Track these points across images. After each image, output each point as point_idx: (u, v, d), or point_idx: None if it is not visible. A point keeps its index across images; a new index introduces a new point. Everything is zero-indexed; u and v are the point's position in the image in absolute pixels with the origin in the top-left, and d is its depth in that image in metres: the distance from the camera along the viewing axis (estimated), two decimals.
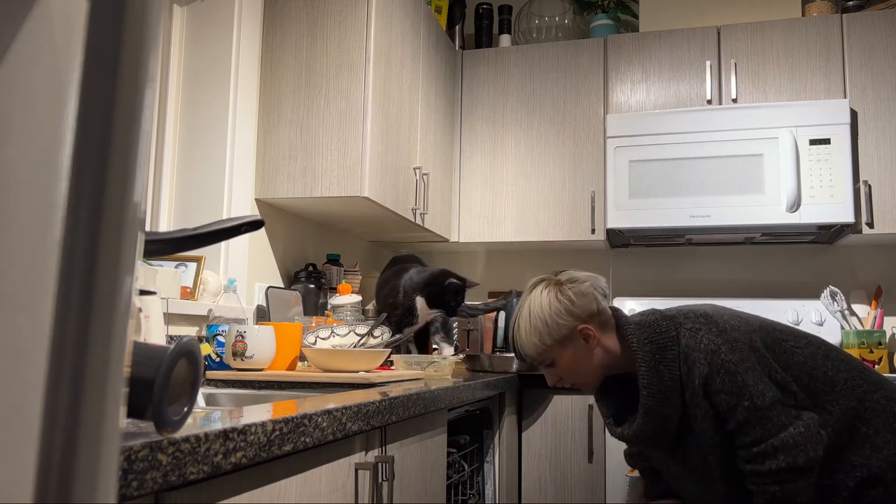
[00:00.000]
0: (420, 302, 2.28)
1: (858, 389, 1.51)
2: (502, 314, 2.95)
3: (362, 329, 2.04)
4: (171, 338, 1.87)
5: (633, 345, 1.58)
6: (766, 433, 1.45)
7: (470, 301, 3.47)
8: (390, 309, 2.29)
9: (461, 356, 2.62)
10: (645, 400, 1.56)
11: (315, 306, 2.48)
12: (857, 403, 1.50)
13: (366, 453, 1.28)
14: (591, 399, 2.46)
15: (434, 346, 2.43)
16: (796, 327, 1.60)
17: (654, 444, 1.63)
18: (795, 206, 2.63)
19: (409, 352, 2.38)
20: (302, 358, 2.01)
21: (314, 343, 1.98)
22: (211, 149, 2.28)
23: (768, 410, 1.45)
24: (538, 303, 1.62)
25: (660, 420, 1.56)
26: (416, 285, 2.29)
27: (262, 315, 2.34)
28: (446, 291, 2.27)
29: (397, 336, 2.18)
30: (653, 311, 1.65)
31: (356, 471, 1.23)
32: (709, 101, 2.88)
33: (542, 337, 1.61)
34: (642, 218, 2.77)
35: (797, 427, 1.44)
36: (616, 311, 1.68)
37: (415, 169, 2.68)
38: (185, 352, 0.71)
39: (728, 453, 1.55)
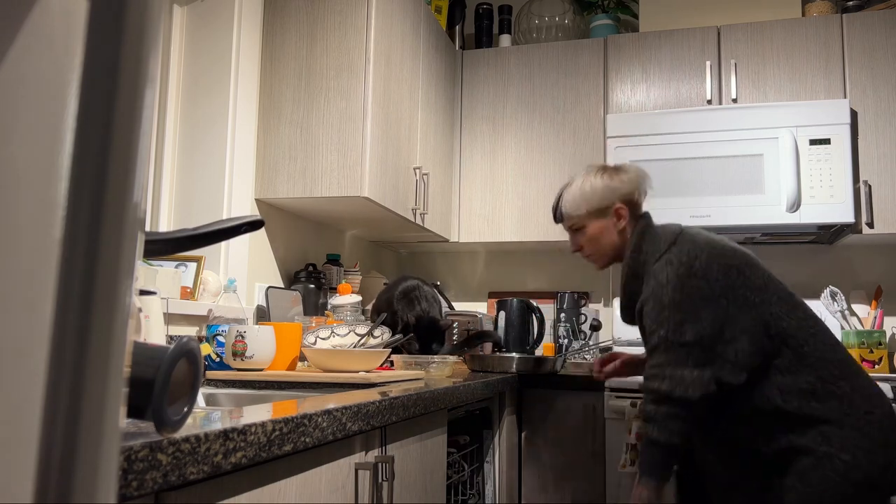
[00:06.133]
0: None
1: (825, 371, 1.59)
2: (502, 314, 2.95)
3: (362, 329, 2.04)
4: (171, 338, 1.87)
5: (629, 248, 1.79)
6: (667, 361, 1.62)
7: (471, 301, 3.48)
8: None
9: (461, 356, 2.62)
10: (621, 297, 1.83)
11: (315, 306, 2.48)
12: (816, 381, 1.59)
13: (366, 453, 1.28)
14: (591, 399, 2.46)
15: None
16: (801, 306, 1.69)
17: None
18: (795, 206, 2.63)
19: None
20: (302, 358, 2.01)
21: (314, 343, 1.98)
22: (211, 149, 2.28)
23: (680, 346, 1.61)
24: (591, 178, 1.86)
25: (629, 317, 1.83)
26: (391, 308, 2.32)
27: (262, 315, 2.34)
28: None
29: (397, 336, 2.18)
30: (672, 230, 1.77)
31: (356, 471, 1.23)
32: (709, 101, 2.87)
33: (583, 203, 1.85)
34: None
35: (693, 371, 1.59)
36: (645, 215, 1.85)
37: (415, 169, 2.68)
38: (185, 352, 0.71)
39: None
